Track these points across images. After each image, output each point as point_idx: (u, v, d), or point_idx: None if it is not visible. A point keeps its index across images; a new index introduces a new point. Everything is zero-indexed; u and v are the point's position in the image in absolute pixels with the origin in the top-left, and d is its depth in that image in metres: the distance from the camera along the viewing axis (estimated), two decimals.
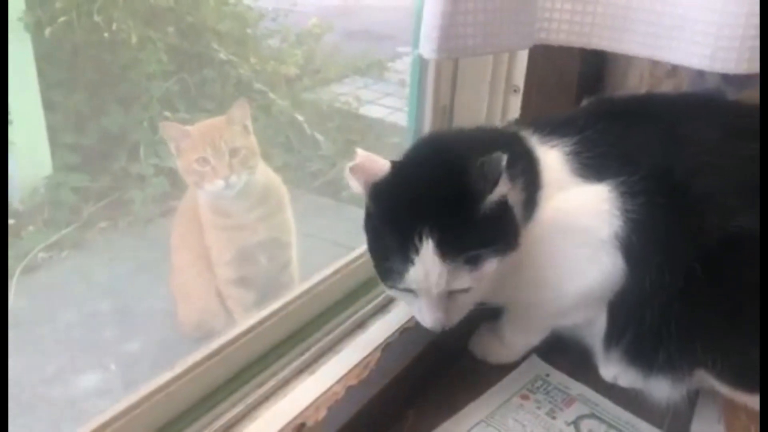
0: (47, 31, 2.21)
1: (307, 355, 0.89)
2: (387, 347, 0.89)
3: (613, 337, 0.88)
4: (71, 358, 1.78)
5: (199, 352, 0.84)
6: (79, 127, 2.39)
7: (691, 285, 0.78)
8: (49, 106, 2.26)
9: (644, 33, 0.80)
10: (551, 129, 0.87)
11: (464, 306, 0.79)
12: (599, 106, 0.92)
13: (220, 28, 2.71)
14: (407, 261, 0.73)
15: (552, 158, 0.85)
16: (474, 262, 0.74)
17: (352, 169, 0.75)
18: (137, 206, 2.31)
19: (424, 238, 0.72)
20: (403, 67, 3.53)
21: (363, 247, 0.89)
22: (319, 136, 2.63)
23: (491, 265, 0.75)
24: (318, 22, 3.22)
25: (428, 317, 0.77)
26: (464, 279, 0.74)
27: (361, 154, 0.77)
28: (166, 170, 2.31)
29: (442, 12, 0.78)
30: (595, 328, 0.91)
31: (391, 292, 0.82)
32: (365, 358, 0.87)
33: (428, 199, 0.74)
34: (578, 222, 0.84)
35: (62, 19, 2.26)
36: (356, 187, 0.77)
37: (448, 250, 0.72)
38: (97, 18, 2.33)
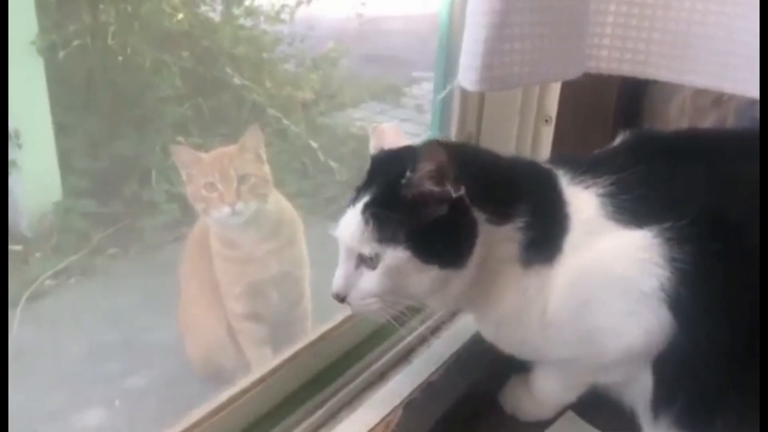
0: (61, 55, 2.19)
1: (321, 411, 0.81)
2: (409, 404, 0.81)
3: (661, 401, 0.79)
4: (73, 393, 1.70)
5: (201, 408, 0.76)
6: (91, 151, 2.36)
7: (756, 346, 0.69)
8: (60, 130, 2.23)
9: (708, 62, 0.72)
10: (586, 168, 0.80)
11: (364, 288, 0.76)
12: (639, 143, 0.85)
13: (236, 52, 2.71)
14: (347, 207, 0.76)
15: (584, 200, 0.78)
16: (383, 233, 0.73)
17: (374, 130, 0.82)
18: (148, 233, 2.27)
19: (368, 192, 0.75)
20: (420, 92, 3.50)
21: None
22: (332, 164, 2.58)
23: (399, 255, 0.72)
24: (334, 46, 3.20)
25: (335, 276, 0.77)
26: (366, 243, 0.73)
27: (391, 126, 0.83)
28: (177, 197, 2.25)
29: (485, 38, 0.72)
30: (637, 387, 0.82)
31: None
32: (386, 417, 0.78)
33: (389, 169, 0.76)
34: (615, 271, 0.75)
35: (76, 42, 2.24)
36: (370, 147, 0.82)
37: (371, 206, 0.74)
38: (111, 42, 2.33)
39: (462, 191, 0.72)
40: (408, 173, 0.71)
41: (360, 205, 0.74)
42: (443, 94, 1.01)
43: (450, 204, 0.72)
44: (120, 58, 2.37)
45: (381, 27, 4.06)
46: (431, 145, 0.71)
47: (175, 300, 1.66)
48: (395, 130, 0.83)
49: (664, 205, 0.74)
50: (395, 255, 0.73)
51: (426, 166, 0.70)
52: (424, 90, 3.44)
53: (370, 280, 0.75)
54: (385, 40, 3.95)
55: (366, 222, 0.73)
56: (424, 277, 0.74)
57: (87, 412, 1.67)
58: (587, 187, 0.78)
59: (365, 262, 0.75)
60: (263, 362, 1.52)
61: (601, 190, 0.77)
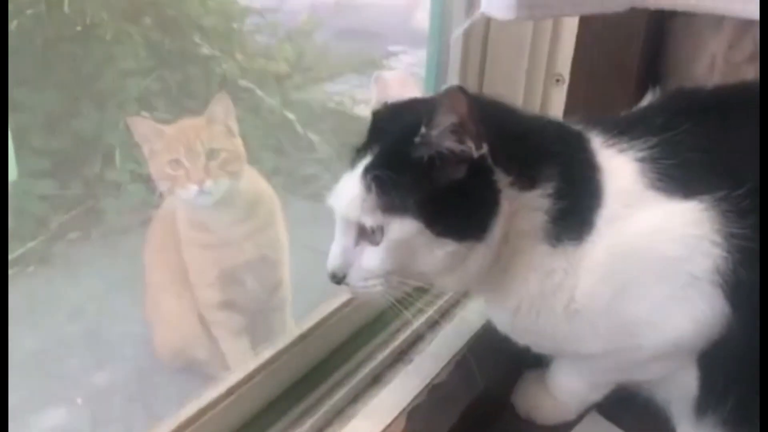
0: (13, 24, 2.08)
1: (308, 423, 0.68)
2: (414, 411, 0.68)
3: (709, 401, 0.68)
4: (32, 391, 1.58)
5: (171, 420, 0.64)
6: (49, 129, 2.23)
7: None
8: (15, 106, 2.13)
9: None
10: (621, 129, 0.68)
11: (366, 267, 0.65)
12: (680, 100, 0.73)
13: (204, 22, 2.59)
14: (343, 175, 0.66)
15: (619, 166, 0.66)
16: (389, 200, 0.62)
17: (377, 80, 0.70)
18: (111, 216, 2.16)
19: (368, 153, 0.65)
20: (399, 65, 3.40)
21: None
22: (313, 136, 2.46)
23: (407, 226, 0.62)
24: (308, 18, 3.12)
25: (331, 253, 0.66)
26: (369, 213, 0.63)
27: (397, 74, 0.72)
28: (143, 176, 2.14)
29: None
30: (677, 384, 0.71)
31: None
32: (387, 428, 0.66)
33: (390, 126, 0.67)
34: (658, 250, 0.63)
35: (29, 11, 2.12)
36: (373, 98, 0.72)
37: (370, 170, 0.63)
38: (68, 10, 2.20)
39: (485, 149, 0.61)
40: (423, 129, 0.60)
41: (360, 168, 0.64)
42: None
43: (469, 165, 0.61)
44: (78, 28, 2.24)
45: (355, 0, 3.96)
46: (453, 93, 0.58)
47: (142, 288, 1.55)
48: (402, 79, 0.70)
49: (716, 171, 0.63)
50: (403, 227, 0.62)
51: (447, 120, 0.59)
52: (403, 63, 3.35)
53: (372, 258, 0.64)
54: (360, 13, 3.85)
55: (368, 188, 0.63)
56: (437, 253, 0.63)
57: (46, 412, 1.55)
58: (622, 151, 0.67)
59: (367, 236, 0.64)
60: (240, 354, 1.42)
61: (639, 155, 0.65)
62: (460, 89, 0.58)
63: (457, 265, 0.64)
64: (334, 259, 0.66)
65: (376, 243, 0.64)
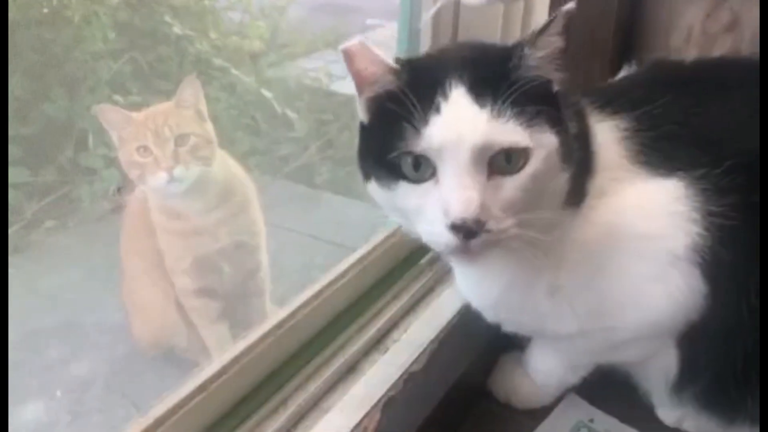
0: None
1: (284, 416, 0.66)
2: (389, 403, 0.67)
3: (686, 378, 0.67)
4: (9, 385, 1.54)
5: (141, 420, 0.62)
6: (18, 115, 2.17)
7: None
8: None
9: None
10: (605, 101, 0.67)
11: (511, 198, 0.56)
12: (659, 73, 0.71)
13: (174, 0, 2.53)
14: (430, 109, 0.55)
15: (607, 137, 0.65)
16: (524, 115, 0.55)
17: (352, 52, 0.59)
18: (86, 203, 2.11)
19: (454, 84, 0.56)
20: (377, 39, 3.35)
21: (345, 261, 0.76)
22: (291, 114, 2.43)
23: (551, 138, 0.56)
24: None
25: (455, 198, 0.54)
26: (515, 130, 0.55)
27: (357, 44, 0.59)
28: (117, 161, 2.09)
29: None
30: (655, 364, 0.70)
31: (392, 197, 0.59)
32: (361, 421, 0.64)
33: (461, 57, 0.59)
34: (637, 228, 0.62)
35: None
36: (360, 68, 0.59)
37: (486, 93, 0.55)
38: None
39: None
40: (525, 49, 0.56)
41: (461, 93, 0.56)
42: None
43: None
44: (45, 10, 2.20)
45: None
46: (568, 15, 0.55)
47: (119, 275, 1.52)
48: (363, 49, 0.59)
49: (696, 145, 0.63)
50: (550, 140, 0.56)
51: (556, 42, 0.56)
52: (381, 37, 3.30)
53: (516, 187, 0.56)
54: None
55: (497, 109, 0.54)
56: (563, 175, 0.58)
57: (24, 405, 1.52)
58: (606, 122, 0.66)
59: (499, 166, 0.55)
60: (219, 340, 1.40)
61: (623, 125, 0.65)
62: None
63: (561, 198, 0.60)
64: (469, 202, 0.54)
65: (515, 170, 0.55)
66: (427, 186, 0.56)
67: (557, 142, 0.56)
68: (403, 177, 0.57)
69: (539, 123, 0.55)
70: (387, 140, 0.57)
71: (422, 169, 0.56)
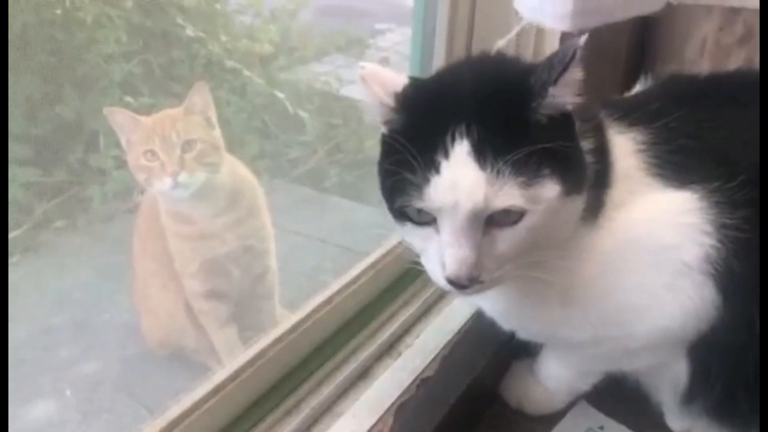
0: None
1: (297, 420, 0.67)
2: (402, 408, 0.67)
3: (696, 389, 0.68)
4: (19, 384, 1.55)
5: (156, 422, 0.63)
6: (30, 115, 2.16)
7: None
8: None
9: None
10: (622, 113, 0.67)
11: (503, 252, 0.57)
12: (675, 86, 0.72)
13: (186, 3, 2.55)
14: (431, 167, 0.56)
15: (624, 150, 0.66)
16: (527, 171, 0.55)
17: (364, 78, 0.59)
18: (97, 203, 2.11)
19: (457, 137, 0.55)
20: (386, 44, 3.36)
21: (357, 266, 0.76)
22: (302, 113, 2.43)
23: (552, 191, 0.56)
24: None
25: (450, 256, 0.56)
26: (512, 194, 0.55)
27: (369, 65, 0.61)
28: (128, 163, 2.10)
29: None
30: (666, 373, 0.71)
31: (401, 231, 0.62)
32: (374, 426, 0.65)
33: (470, 96, 0.58)
34: (654, 239, 0.63)
35: None
36: (371, 97, 0.60)
37: (488, 151, 0.55)
38: None
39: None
40: (549, 89, 0.55)
41: (463, 151, 0.55)
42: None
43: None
44: (58, 11, 2.19)
45: None
46: (580, 47, 0.54)
47: (129, 276, 1.54)
48: (377, 68, 0.61)
49: (710, 159, 0.63)
50: (549, 192, 0.56)
51: (576, 75, 0.56)
52: (390, 41, 3.30)
53: (511, 239, 0.57)
54: None
55: (497, 170, 0.54)
56: (572, 210, 0.60)
57: (35, 404, 1.52)
58: (624, 134, 0.66)
59: (497, 221, 0.57)
60: (228, 342, 1.41)
61: (639, 138, 0.65)
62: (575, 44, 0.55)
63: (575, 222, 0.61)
64: (462, 262, 0.56)
65: (513, 222, 0.56)
66: (429, 231, 0.58)
67: (560, 188, 0.56)
68: (409, 219, 0.59)
69: (541, 177, 0.55)
70: (393, 187, 0.59)
71: (424, 215, 0.58)
